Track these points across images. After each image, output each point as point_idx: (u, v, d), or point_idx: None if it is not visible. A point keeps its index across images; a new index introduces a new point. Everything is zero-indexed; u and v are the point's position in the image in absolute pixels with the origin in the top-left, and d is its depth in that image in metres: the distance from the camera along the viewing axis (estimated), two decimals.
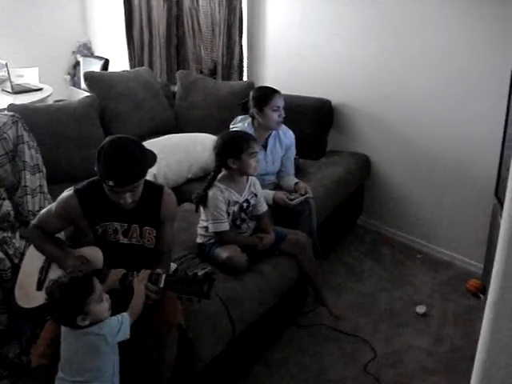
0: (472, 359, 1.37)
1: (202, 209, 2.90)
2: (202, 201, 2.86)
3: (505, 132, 3.10)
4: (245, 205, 2.93)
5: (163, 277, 2.18)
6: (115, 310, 2.07)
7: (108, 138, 2.24)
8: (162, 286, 2.17)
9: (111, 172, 2.14)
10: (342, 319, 3.29)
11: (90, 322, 1.96)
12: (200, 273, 2.59)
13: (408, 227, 4.16)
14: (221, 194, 2.82)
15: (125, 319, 2.04)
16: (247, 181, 2.96)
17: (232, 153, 2.82)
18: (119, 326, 2.01)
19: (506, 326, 1.19)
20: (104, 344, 1.98)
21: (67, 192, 2.36)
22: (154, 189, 2.41)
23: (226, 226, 2.82)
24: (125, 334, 2.03)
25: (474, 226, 3.69)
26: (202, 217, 2.93)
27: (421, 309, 3.38)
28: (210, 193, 2.82)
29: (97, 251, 2.33)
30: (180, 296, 2.19)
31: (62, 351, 2.02)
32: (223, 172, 2.89)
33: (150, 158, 2.28)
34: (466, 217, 3.75)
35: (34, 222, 2.48)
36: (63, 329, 2.02)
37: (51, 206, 2.41)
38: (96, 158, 2.19)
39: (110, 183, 2.13)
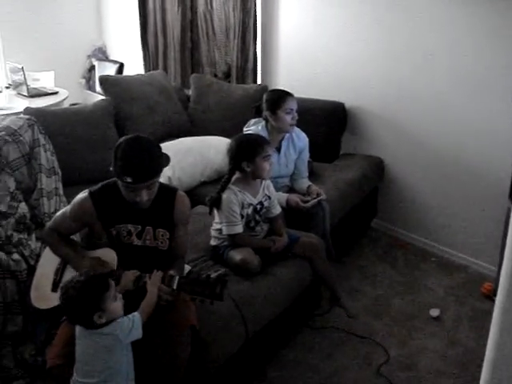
0: None
1: (215, 211, 2.91)
2: (216, 203, 2.87)
3: None
4: (258, 207, 2.94)
5: (176, 278, 2.20)
6: (128, 310, 2.08)
7: (124, 137, 2.27)
8: (175, 287, 2.18)
9: (129, 168, 2.15)
10: (357, 320, 3.29)
11: (106, 320, 1.98)
12: (213, 274, 2.61)
13: (422, 230, 4.14)
14: (235, 197, 2.83)
15: (136, 318, 2.05)
16: (261, 183, 2.97)
17: (246, 156, 2.83)
18: (131, 324, 2.02)
19: None
20: (117, 344, 2.00)
21: (82, 195, 2.38)
22: (168, 191, 2.43)
23: (239, 229, 2.84)
24: (137, 333, 2.04)
25: (489, 229, 3.67)
26: (216, 219, 2.94)
27: (434, 312, 3.37)
28: (224, 195, 2.84)
29: (111, 253, 2.35)
30: (193, 297, 2.20)
31: (77, 352, 2.04)
32: (237, 175, 2.91)
33: (165, 158, 2.30)
34: (481, 220, 3.73)
35: (49, 224, 2.51)
36: (78, 329, 2.03)
37: (66, 209, 2.43)
38: (113, 157, 2.21)
39: (128, 179, 2.15)
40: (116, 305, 2.02)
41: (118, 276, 2.24)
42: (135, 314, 2.07)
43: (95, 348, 1.99)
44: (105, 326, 1.98)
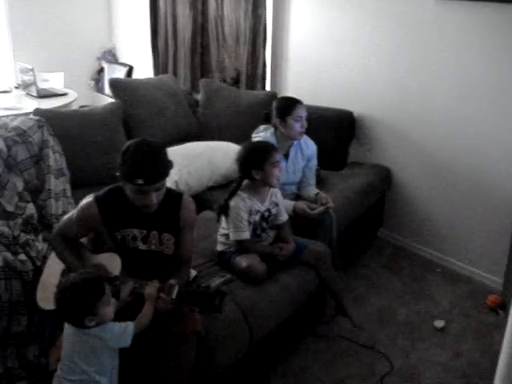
0: (490, 375, 1.37)
1: (223, 217, 2.92)
2: (224, 211, 2.87)
3: None
4: (266, 214, 2.94)
5: (176, 288, 2.18)
6: (126, 317, 2.10)
7: (130, 141, 2.27)
8: (174, 297, 2.17)
9: (140, 170, 2.15)
10: (361, 330, 3.28)
11: (96, 323, 1.99)
12: (214, 284, 2.62)
13: (428, 241, 4.14)
14: (243, 203, 2.83)
15: (129, 328, 2.05)
16: (269, 190, 2.97)
17: (255, 163, 2.84)
18: (121, 331, 2.03)
19: None
20: (104, 347, 2.01)
21: (87, 199, 2.38)
22: (174, 196, 2.43)
23: (247, 235, 2.84)
24: (125, 341, 2.04)
25: (495, 240, 3.66)
26: (223, 225, 2.94)
27: (439, 323, 3.36)
28: (232, 202, 2.84)
29: (115, 257, 2.35)
30: (192, 308, 2.20)
31: (63, 349, 2.05)
32: (246, 181, 2.91)
33: (170, 161, 2.31)
34: (487, 231, 3.72)
35: (55, 230, 2.52)
36: (66, 327, 2.05)
37: (72, 214, 2.43)
38: (120, 161, 2.21)
39: (140, 181, 2.14)
40: (108, 309, 2.02)
41: (121, 282, 2.24)
42: (129, 323, 2.07)
43: (82, 347, 2.00)
44: (94, 327, 1.99)
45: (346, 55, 4.26)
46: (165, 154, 2.28)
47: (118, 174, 2.23)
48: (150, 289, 2.20)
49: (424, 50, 3.76)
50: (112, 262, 2.34)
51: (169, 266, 2.40)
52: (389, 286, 3.78)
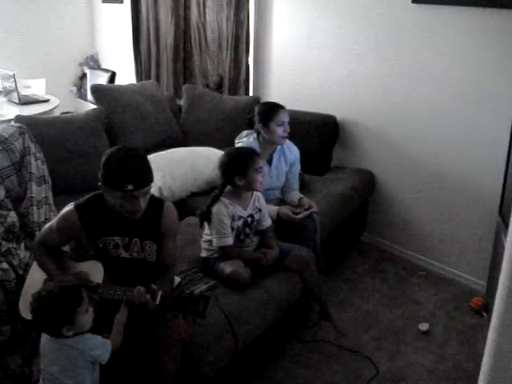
0: (474, 378, 1.37)
1: (206, 223, 2.91)
2: (206, 217, 2.87)
3: (509, 151, 3.10)
4: (249, 220, 2.94)
5: (159, 294, 2.18)
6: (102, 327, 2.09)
7: (111, 149, 2.27)
8: (157, 302, 2.16)
9: (129, 176, 2.15)
10: (346, 335, 3.29)
11: (74, 332, 1.96)
12: (197, 291, 2.61)
13: (411, 244, 4.15)
14: (225, 209, 2.83)
15: (108, 343, 2.04)
16: (252, 195, 2.97)
17: (238, 170, 2.83)
18: (99, 345, 2.01)
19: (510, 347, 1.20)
20: (81, 359, 1.98)
21: (68, 208, 2.37)
22: (155, 203, 2.41)
23: (230, 241, 2.83)
24: (103, 356, 2.02)
25: (478, 243, 3.69)
26: (206, 231, 2.93)
27: (423, 326, 3.37)
28: (215, 208, 2.83)
29: (98, 265, 2.33)
30: (175, 314, 2.19)
31: (41, 361, 2.02)
32: (228, 188, 2.90)
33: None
34: (470, 235, 3.75)
35: (36, 238, 2.50)
36: (43, 337, 2.02)
37: (52, 222, 2.41)
38: (103, 170, 2.20)
39: (129, 187, 2.14)
40: (85, 318, 1.99)
41: (102, 291, 2.22)
42: (107, 341, 2.05)
43: (58, 357, 1.98)
44: (71, 337, 1.97)
45: (328, 60, 4.27)
46: (147, 158, 2.29)
47: (99, 183, 2.22)
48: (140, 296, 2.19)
49: (405, 54, 3.78)
50: (95, 270, 2.32)
51: (151, 274, 2.38)
52: (373, 290, 3.79)
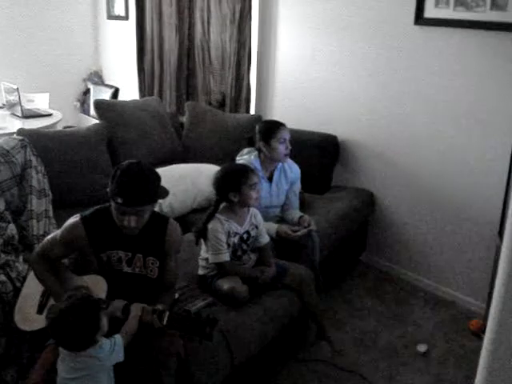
0: None
1: (202, 241, 2.90)
2: (202, 234, 2.86)
3: (509, 172, 3.11)
4: (245, 236, 2.93)
5: (167, 314, 2.17)
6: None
7: (128, 161, 2.28)
8: (165, 323, 2.15)
9: (122, 189, 2.16)
10: (343, 355, 3.27)
11: (101, 335, 1.98)
12: (195, 307, 2.59)
13: (411, 265, 4.14)
14: (221, 226, 2.81)
15: (117, 340, 2.04)
16: (248, 212, 2.96)
17: (232, 186, 2.82)
18: (112, 347, 2.01)
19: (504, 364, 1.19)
20: (99, 367, 1.98)
21: (73, 219, 2.37)
22: (160, 220, 2.42)
23: (226, 257, 2.81)
24: (118, 355, 2.02)
25: (478, 265, 3.68)
26: (203, 248, 2.92)
27: (422, 348, 3.35)
28: (210, 225, 2.82)
29: (100, 279, 2.33)
30: (182, 334, 2.18)
31: (58, 377, 2.01)
32: (224, 204, 2.90)
33: (163, 191, 2.31)
34: (470, 256, 3.74)
35: (37, 250, 2.48)
36: (62, 352, 2.01)
37: (56, 234, 2.41)
38: (110, 177, 2.22)
39: (119, 200, 2.15)
40: (104, 320, 2.02)
41: (107, 305, 2.21)
42: (116, 336, 2.06)
43: (79, 373, 1.97)
44: (88, 347, 1.96)
45: (330, 80, 4.30)
46: (155, 181, 2.28)
47: (107, 190, 2.23)
48: (137, 309, 2.19)
49: (407, 75, 3.80)
50: (97, 285, 2.32)
51: (152, 290, 2.38)
52: (372, 310, 3.78)
